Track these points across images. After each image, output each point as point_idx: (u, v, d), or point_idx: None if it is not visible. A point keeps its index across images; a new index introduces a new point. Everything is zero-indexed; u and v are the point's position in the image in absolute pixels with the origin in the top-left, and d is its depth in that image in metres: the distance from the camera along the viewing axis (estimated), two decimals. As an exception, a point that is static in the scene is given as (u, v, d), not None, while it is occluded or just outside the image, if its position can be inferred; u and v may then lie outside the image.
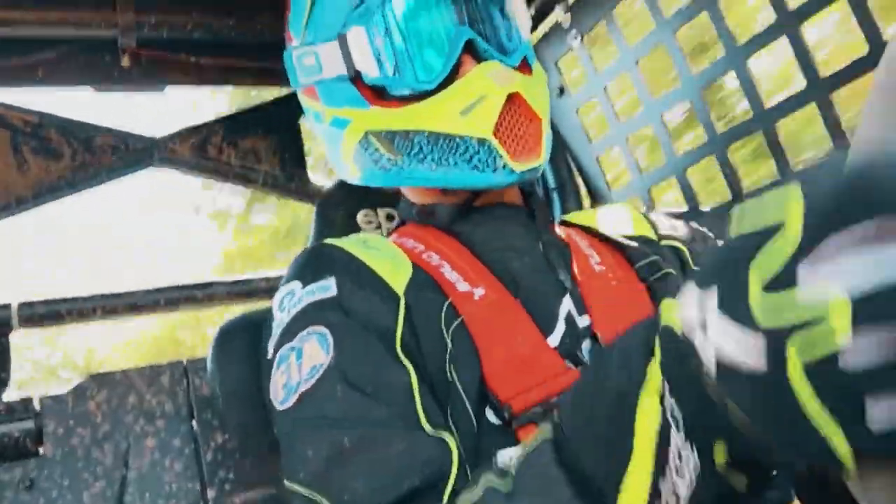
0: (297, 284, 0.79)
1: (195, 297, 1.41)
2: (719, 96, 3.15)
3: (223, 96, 5.67)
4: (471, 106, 0.79)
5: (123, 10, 1.30)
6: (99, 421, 1.20)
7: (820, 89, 1.02)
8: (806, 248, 0.31)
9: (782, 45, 1.05)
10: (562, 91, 1.48)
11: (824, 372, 0.30)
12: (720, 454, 0.39)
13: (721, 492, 0.41)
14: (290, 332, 0.75)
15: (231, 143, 1.52)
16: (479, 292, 0.79)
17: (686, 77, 1.21)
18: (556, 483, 0.48)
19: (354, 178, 0.91)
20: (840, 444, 0.30)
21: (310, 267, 0.81)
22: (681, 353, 0.39)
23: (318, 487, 0.64)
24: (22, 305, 1.26)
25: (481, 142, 0.79)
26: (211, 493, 1.21)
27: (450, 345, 0.73)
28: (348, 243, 0.84)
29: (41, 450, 1.16)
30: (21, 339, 1.27)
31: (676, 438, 0.41)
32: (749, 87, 1.12)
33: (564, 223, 0.98)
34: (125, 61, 1.40)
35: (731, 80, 1.17)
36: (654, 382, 0.42)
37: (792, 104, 1.07)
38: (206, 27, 1.38)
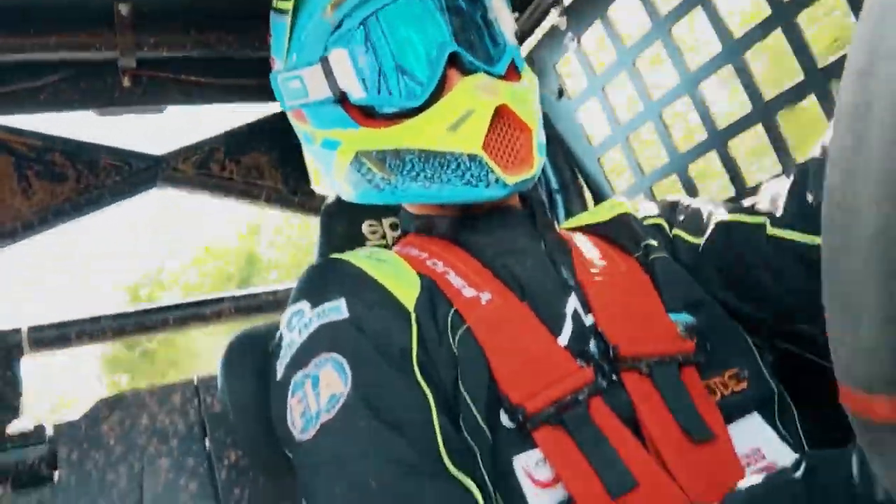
0: (305, 304, 0.78)
1: (203, 315, 1.41)
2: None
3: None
4: (459, 121, 0.78)
5: (122, 31, 1.31)
6: (112, 444, 1.20)
7: (819, 80, 1.01)
8: None
9: (778, 38, 1.05)
10: (561, 93, 1.48)
11: None
12: None
13: None
14: (302, 357, 0.75)
15: (233, 159, 1.53)
16: (485, 297, 0.78)
17: (684, 74, 1.21)
18: None
19: (350, 196, 0.91)
20: None
21: (318, 286, 0.81)
22: None
23: None
24: (32, 329, 1.27)
25: (472, 157, 0.78)
26: None
27: (456, 353, 0.73)
28: (355, 257, 0.84)
29: (55, 475, 1.17)
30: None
31: None
32: (748, 82, 1.12)
33: (563, 230, 0.98)
34: (126, 82, 1.41)
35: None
36: None
37: (790, 96, 1.06)
38: (205, 45, 1.38)
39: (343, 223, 1.13)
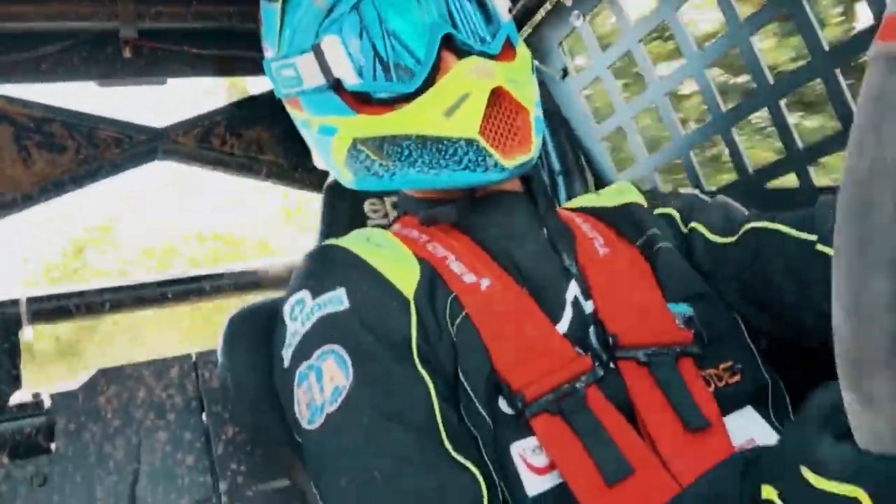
0: (306, 294, 0.78)
1: (203, 289, 1.41)
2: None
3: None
4: (454, 106, 0.77)
5: (124, 1, 1.29)
6: (109, 416, 1.21)
7: (824, 64, 1.00)
8: None
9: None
10: (565, 73, 1.47)
11: None
12: None
13: None
14: (306, 348, 0.75)
15: (234, 133, 1.52)
16: (485, 283, 0.78)
17: (691, 54, 1.20)
18: None
19: (349, 182, 0.90)
20: None
21: (318, 274, 0.80)
22: None
23: None
24: (31, 300, 1.26)
25: (469, 142, 0.77)
26: (223, 486, 1.22)
27: (454, 339, 0.73)
28: (355, 244, 0.83)
29: (53, 446, 1.17)
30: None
31: None
32: (754, 63, 1.11)
33: (565, 210, 0.97)
34: (127, 53, 1.40)
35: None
36: None
37: (799, 79, 1.06)
38: (206, 17, 1.37)
39: (346, 201, 1.13)
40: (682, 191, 1.03)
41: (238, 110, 1.53)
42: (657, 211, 0.94)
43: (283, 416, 0.81)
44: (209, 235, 8.28)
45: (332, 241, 0.85)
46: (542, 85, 1.48)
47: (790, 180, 1.10)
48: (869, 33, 0.95)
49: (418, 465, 0.65)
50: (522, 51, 0.87)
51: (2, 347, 1.20)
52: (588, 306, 0.80)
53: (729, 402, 0.77)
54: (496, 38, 0.85)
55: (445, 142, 0.78)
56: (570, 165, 1.48)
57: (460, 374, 0.72)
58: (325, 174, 1.54)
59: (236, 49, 1.46)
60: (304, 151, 1.55)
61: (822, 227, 0.79)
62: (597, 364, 0.74)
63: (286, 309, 0.80)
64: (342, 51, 0.82)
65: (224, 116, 1.52)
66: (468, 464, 0.66)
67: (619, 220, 0.92)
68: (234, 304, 1.03)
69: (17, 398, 1.18)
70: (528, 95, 0.82)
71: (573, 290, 0.81)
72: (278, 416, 0.83)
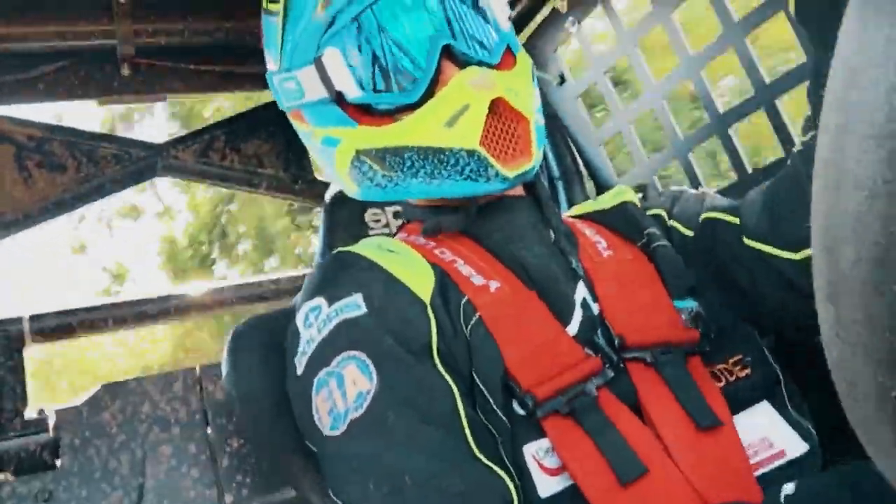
0: (321, 300, 0.78)
1: (205, 303, 1.41)
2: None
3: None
4: (455, 116, 0.78)
5: (121, 19, 1.30)
6: (114, 431, 1.20)
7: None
8: None
9: (781, 20, 1.04)
10: (562, 79, 1.47)
11: None
12: None
13: None
14: (324, 355, 0.75)
15: (234, 148, 1.52)
16: (494, 285, 0.78)
17: (686, 57, 1.21)
18: None
19: (354, 194, 0.90)
20: None
21: (333, 281, 0.81)
22: None
23: None
24: (33, 318, 1.26)
25: (470, 153, 0.78)
26: (228, 498, 1.21)
27: (469, 341, 0.74)
28: (368, 250, 0.83)
29: (58, 462, 1.17)
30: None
31: None
32: (748, 64, 1.12)
33: (566, 218, 0.97)
34: (125, 70, 1.41)
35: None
36: None
37: (793, 80, 1.06)
38: (203, 33, 1.38)
39: (346, 212, 1.13)
40: (673, 188, 1.03)
41: (237, 125, 1.54)
42: (650, 212, 0.95)
43: (289, 427, 0.81)
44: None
45: (344, 248, 0.86)
46: (540, 91, 1.48)
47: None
48: None
49: (448, 466, 0.65)
50: (523, 58, 0.88)
51: (5, 365, 1.20)
52: (594, 308, 0.80)
53: (742, 397, 0.77)
54: (496, 47, 0.85)
55: (447, 152, 0.78)
56: (569, 171, 1.48)
57: (475, 376, 0.72)
58: (326, 186, 1.54)
59: (235, 65, 1.47)
60: (304, 164, 1.55)
61: (750, 213, 0.83)
62: (606, 365, 0.74)
63: (300, 317, 0.80)
64: (343, 63, 0.82)
65: (223, 131, 1.52)
66: (493, 465, 0.66)
67: (618, 222, 0.92)
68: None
69: (21, 415, 1.17)
70: (528, 103, 0.82)
71: (581, 291, 0.81)
72: (283, 427, 0.83)
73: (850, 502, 0.57)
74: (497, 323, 0.75)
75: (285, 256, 7.88)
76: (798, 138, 1.08)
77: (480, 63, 0.82)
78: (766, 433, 0.76)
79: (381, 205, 1.16)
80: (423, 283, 0.78)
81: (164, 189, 8.99)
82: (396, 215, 1.17)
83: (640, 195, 0.99)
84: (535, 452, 0.69)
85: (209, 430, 1.26)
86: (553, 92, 1.50)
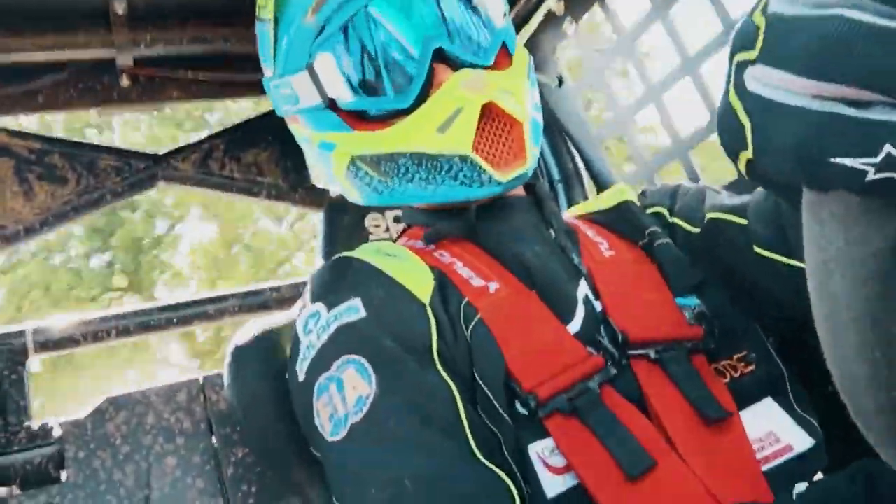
0: (321, 306, 0.78)
1: (207, 313, 1.41)
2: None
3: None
4: (447, 121, 0.77)
5: (119, 29, 1.30)
6: (118, 443, 1.20)
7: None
8: None
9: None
10: (561, 81, 1.47)
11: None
12: None
13: None
14: (323, 360, 0.74)
15: (233, 157, 1.52)
16: (493, 286, 0.78)
17: (685, 56, 1.20)
18: None
19: (354, 198, 0.90)
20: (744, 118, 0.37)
21: (333, 286, 0.80)
22: None
23: None
24: (37, 331, 1.26)
25: (463, 158, 0.77)
26: None
27: (470, 343, 0.73)
28: (366, 254, 0.83)
29: (63, 475, 1.17)
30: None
31: None
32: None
33: (567, 219, 0.97)
34: (124, 81, 1.41)
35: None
36: None
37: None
38: (202, 41, 1.38)
39: (346, 217, 1.13)
40: (670, 183, 1.02)
41: (235, 134, 1.54)
42: (649, 210, 0.94)
43: (293, 436, 0.81)
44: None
45: (343, 253, 0.85)
46: (539, 93, 1.48)
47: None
48: None
49: (449, 469, 0.65)
50: (519, 56, 0.87)
51: (9, 378, 1.20)
52: (597, 305, 0.80)
53: (746, 393, 0.76)
54: (490, 47, 0.84)
55: (440, 158, 0.78)
56: (569, 172, 1.48)
57: (477, 378, 0.71)
58: (325, 192, 1.55)
59: (233, 72, 1.47)
60: (303, 171, 1.55)
61: (756, 218, 0.81)
62: (609, 363, 0.73)
63: (299, 324, 0.80)
64: (335, 68, 0.82)
65: (222, 141, 1.52)
66: (495, 467, 0.65)
67: (619, 222, 0.92)
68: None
69: (26, 428, 1.17)
70: (522, 105, 0.81)
71: (583, 288, 0.81)
72: (288, 435, 0.83)
73: (864, 501, 0.56)
74: (497, 324, 0.74)
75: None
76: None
77: (474, 65, 0.81)
78: (772, 428, 0.75)
79: (381, 210, 1.16)
80: (422, 286, 0.77)
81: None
82: (396, 220, 1.16)
83: (641, 192, 0.99)
84: (541, 452, 0.68)
85: (214, 440, 1.25)
86: (552, 94, 1.49)
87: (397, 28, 0.81)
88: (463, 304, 0.76)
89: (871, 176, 0.33)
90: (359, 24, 0.81)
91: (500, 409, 0.70)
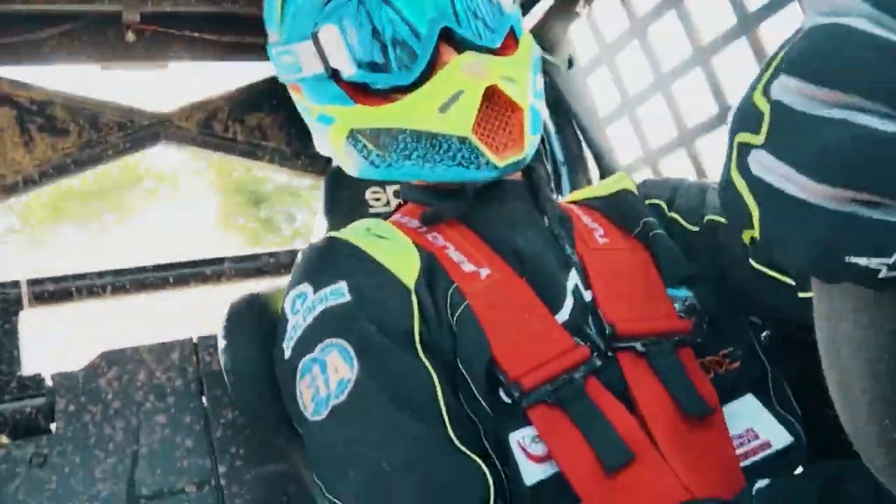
0: (307, 287, 0.79)
1: (204, 274, 1.41)
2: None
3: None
4: (449, 102, 0.77)
5: None
6: (110, 398, 1.21)
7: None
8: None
9: (795, 10, 1.03)
10: (571, 63, 1.46)
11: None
12: None
13: None
14: (308, 342, 0.75)
15: (237, 119, 1.51)
16: (484, 272, 0.78)
17: (697, 45, 1.19)
18: None
19: (350, 170, 0.90)
20: (751, 202, 0.35)
21: (319, 267, 0.81)
22: None
23: None
24: (31, 283, 1.27)
25: (462, 140, 0.77)
26: (222, 469, 1.22)
27: (455, 330, 0.74)
28: (355, 236, 0.83)
29: (53, 426, 1.18)
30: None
31: None
32: (761, 56, 1.10)
33: (564, 203, 0.97)
34: (129, 36, 1.39)
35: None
36: None
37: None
38: (209, 1, 1.36)
39: (347, 189, 1.12)
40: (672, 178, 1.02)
41: (240, 96, 1.53)
42: (648, 201, 0.94)
43: (281, 403, 0.81)
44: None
45: (332, 233, 0.85)
46: (547, 75, 1.47)
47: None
48: None
49: (426, 454, 0.66)
50: (525, 42, 0.86)
51: (2, 328, 1.21)
52: (587, 295, 0.80)
53: (728, 389, 0.77)
54: (497, 31, 0.84)
55: (440, 137, 0.78)
56: (574, 156, 1.48)
57: (459, 364, 0.72)
58: (328, 160, 1.54)
59: (240, 34, 1.46)
60: (308, 137, 1.53)
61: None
62: (595, 354, 0.74)
63: (287, 302, 0.81)
64: (340, 40, 0.81)
65: (226, 102, 1.51)
66: (471, 454, 0.66)
67: (615, 210, 0.92)
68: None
69: (17, 378, 1.18)
70: (524, 92, 0.81)
71: (573, 278, 0.81)
72: (277, 401, 0.84)
73: (816, 501, 0.57)
74: (485, 311, 0.74)
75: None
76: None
77: (479, 48, 0.80)
78: (751, 424, 0.76)
79: (382, 183, 1.16)
80: (408, 269, 0.78)
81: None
82: (397, 194, 1.16)
83: (641, 182, 0.99)
84: (521, 440, 0.69)
85: (204, 401, 1.26)
86: (561, 76, 1.48)
87: (406, 5, 0.80)
88: (451, 290, 0.76)
89: (883, 274, 0.32)
90: None
91: (479, 397, 0.70)
